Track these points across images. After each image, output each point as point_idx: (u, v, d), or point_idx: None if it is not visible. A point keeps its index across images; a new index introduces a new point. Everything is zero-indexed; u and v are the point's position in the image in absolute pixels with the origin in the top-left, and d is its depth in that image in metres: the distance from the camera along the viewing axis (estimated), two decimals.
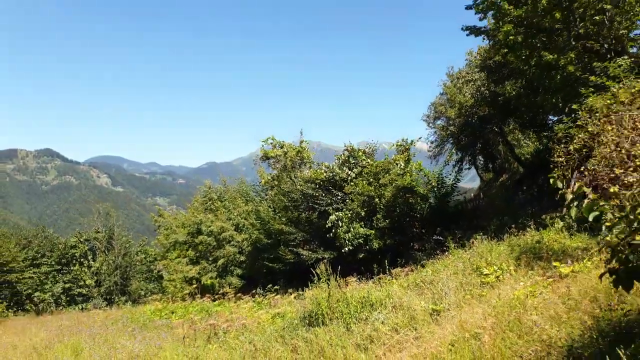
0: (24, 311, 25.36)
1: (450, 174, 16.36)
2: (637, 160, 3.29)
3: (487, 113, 20.13)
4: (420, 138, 22.24)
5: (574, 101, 8.72)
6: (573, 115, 8.47)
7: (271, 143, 27.81)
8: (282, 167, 25.97)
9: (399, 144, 19.47)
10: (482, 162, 28.32)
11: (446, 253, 11.69)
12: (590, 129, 4.41)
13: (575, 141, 4.56)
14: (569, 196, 2.84)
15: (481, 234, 11.59)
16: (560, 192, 3.13)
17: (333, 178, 17.34)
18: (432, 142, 29.98)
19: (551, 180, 3.20)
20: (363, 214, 15.02)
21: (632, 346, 3.29)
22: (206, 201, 28.89)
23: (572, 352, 4.00)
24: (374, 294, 9.02)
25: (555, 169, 6.62)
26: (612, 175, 3.39)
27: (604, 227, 2.70)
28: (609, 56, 9.74)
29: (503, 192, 19.91)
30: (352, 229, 14.67)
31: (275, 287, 18.39)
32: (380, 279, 11.34)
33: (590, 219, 2.67)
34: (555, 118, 14.28)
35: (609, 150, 3.51)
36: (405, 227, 14.52)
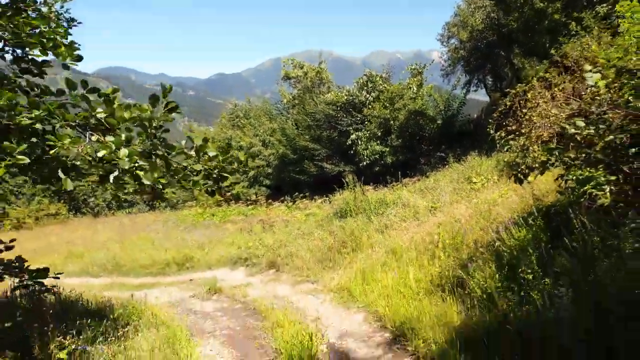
0: (81, 214, 29.27)
1: (457, 99, 18.67)
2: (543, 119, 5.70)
3: (495, 38, 21.76)
4: (432, 62, 24.16)
5: (554, 46, 10.83)
6: (550, 59, 10.65)
7: (292, 64, 29.69)
8: (303, 87, 28.08)
9: (412, 67, 21.49)
10: (490, 82, 30.07)
11: (447, 166, 14.48)
12: (534, 83, 6.63)
13: (514, 92, 6.70)
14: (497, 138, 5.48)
15: (476, 151, 14.25)
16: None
17: (353, 101, 19.72)
18: (445, 61, 31.53)
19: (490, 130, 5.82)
20: (379, 133, 17.66)
21: (541, 217, 6.09)
22: (233, 118, 31.46)
23: (512, 220, 6.87)
24: (388, 196, 12.04)
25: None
26: (528, 123, 5.84)
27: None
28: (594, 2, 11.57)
29: (504, 118, 22.18)
30: (369, 147, 17.41)
31: (301, 194, 21.41)
32: (393, 186, 14.30)
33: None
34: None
35: (531, 105, 5.91)
36: (415, 145, 17.20)
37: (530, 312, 4.32)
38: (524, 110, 5.84)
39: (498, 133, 6.14)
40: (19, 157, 3.10)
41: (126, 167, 3.25)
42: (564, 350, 3.34)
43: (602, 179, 4.46)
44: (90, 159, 3.28)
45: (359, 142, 17.85)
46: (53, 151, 3.13)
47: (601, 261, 3.87)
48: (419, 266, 7.11)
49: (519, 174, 5.32)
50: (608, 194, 4.28)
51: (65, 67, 3.88)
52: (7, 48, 3.67)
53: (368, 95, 19.48)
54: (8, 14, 3.54)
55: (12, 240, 4.94)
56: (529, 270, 4.73)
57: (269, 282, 9.67)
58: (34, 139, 3.44)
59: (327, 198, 17.43)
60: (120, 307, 7.26)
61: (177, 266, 12.62)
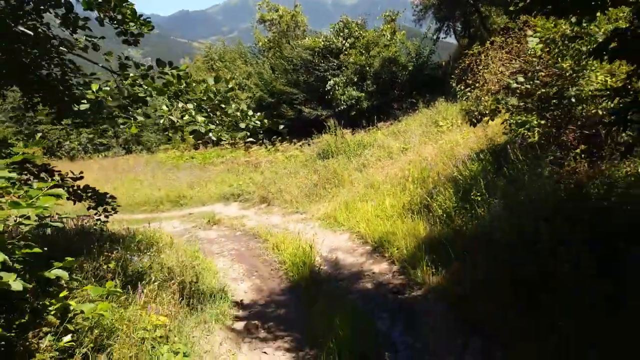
0: (56, 157, 29.46)
1: (427, 47, 19.72)
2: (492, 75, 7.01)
3: None
4: (405, 10, 24.85)
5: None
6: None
7: (267, 7, 29.64)
8: (279, 31, 28.35)
9: (386, 14, 22.24)
10: (460, 28, 31.04)
11: (417, 111, 15.81)
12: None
13: (471, 53, 7.96)
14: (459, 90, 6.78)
15: (443, 97, 15.56)
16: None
17: (329, 47, 20.47)
18: (416, 6, 32.14)
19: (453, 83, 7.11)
20: (355, 79, 18.66)
21: (489, 153, 7.53)
22: (208, 61, 31.55)
23: (468, 156, 8.32)
24: (365, 139, 13.37)
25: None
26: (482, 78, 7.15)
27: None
28: None
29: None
30: (346, 92, 18.45)
31: (279, 138, 22.38)
32: (368, 130, 15.59)
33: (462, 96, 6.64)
34: None
35: (484, 64, 7.19)
36: (388, 91, 18.34)
37: (478, 224, 5.83)
38: (479, 68, 7.14)
39: (458, 86, 7.49)
40: (140, 118, 4.37)
41: (202, 131, 4.45)
42: (494, 242, 4.83)
43: (534, 122, 5.88)
44: (176, 120, 4.43)
45: (337, 88, 18.84)
46: (158, 114, 4.36)
47: (525, 179, 5.34)
48: (393, 196, 8.56)
49: (474, 119, 6.70)
50: (536, 133, 5.70)
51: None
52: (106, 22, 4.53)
53: (344, 42, 20.26)
54: None
55: (80, 172, 6.02)
56: (478, 194, 6.19)
57: (262, 214, 11.04)
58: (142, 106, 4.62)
59: (306, 141, 18.57)
60: (139, 234, 8.47)
61: (170, 203, 13.77)
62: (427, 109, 15.12)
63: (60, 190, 2.57)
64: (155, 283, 4.50)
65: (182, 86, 4.52)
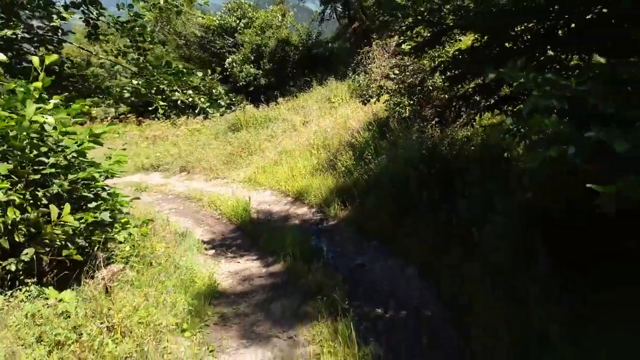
0: None
1: (315, 30, 21.98)
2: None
3: None
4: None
5: None
6: None
7: None
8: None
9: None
10: (340, 10, 33.91)
11: (311, 89, 18.05)
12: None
13: (363, 51, 10.46)
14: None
15: (333, 76, 17.99)
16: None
17: (224, 25, 21.67)
18: None
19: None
20: (252, 58, 20.26)
21: (376, 125, 10.02)
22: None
23: (361, 127, 10.75)
24: (270, 113, 15.26)
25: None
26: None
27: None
28: None
29: (353, 44, 26.22)
30: (244, 69, 20.00)
31: (174, 112, 23.12)
32: (270, 105, 17.46)
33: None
34: None
35: (371, 59, 9.65)
36: (283, 69, 20.29)
37: (370, 174, 8.24)
38: (368, 61, 9.56)
39: (353, 76, 9.85)
40: (161, 103, 5.80)
41: (205, 107, 6.06)
42: (382, 184, 7.24)
43: (406, 102, 8.39)
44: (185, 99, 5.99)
45: (234, 65, 20.26)
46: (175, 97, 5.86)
47: (401, 142, 7.86)
48: (304, 159, 10.72)
49: (365, 100, 9.08)
50: (407, 110, 8.21)
51: None
52: None
53: (239, 22, 21.61)
54: None
55: None
56: (370, 154, 8.60)
57: (184, 181, 12.47)
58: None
59: (205, 115, 19.78)
60: None
61: None
62: (320, 87, 17.41)
63: None
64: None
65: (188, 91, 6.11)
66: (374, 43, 10.10)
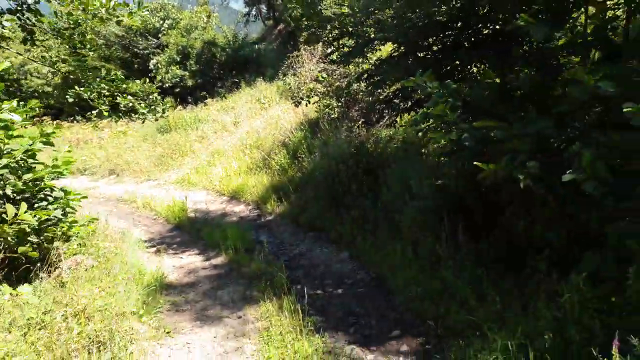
0: None
1: (241, 32, 22.22)
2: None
3: None
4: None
5: None
6: None
7: None
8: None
9: None
10: (265, 11, 34.30)
11: (240, 90, 18.30)
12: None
13: (292, 56, 11.08)
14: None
15: (261, 77, 18.38)
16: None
17: (147, 26, 21.23)
18: None
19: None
20: (178, 59, 20.08)
21: (308, 125, 10.61)
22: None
23: (294, 127, 11.30)
24: (200, 114, 15.35)
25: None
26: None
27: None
28: None
29: (279, 45, 26.74)
30: (170, 71, 19.76)
31: (94, 114, 22.24)
32: (199, 106, 17.48)
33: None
34: None
35: (301, 63, 10.29)
36: (210, 70, 20.31)
37: (304, 172, 8.81)
38: (298, 65, 10.14)
39: (282, 78, 10.38)
40: (104, 107, 5.88)
41: (145, 112, 6.23)
42: (315, 179, 7.83)
43: (334, 104, 9.05)
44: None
45: (160, 66, 19.95)
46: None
47: (331, 141, 8.51)
48: (237, 160, 11.06)
49: (296, 102, 9.64)
50: (336, 112, 8.88)
51: None
52: None
53: (163, 22, 21.28)
54: None
55: None
56: (303, 153, 9.17)
57: (114, 184, 12.28)
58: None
59: (130, 117, 19.31)
60: None
61: None
62: (249, 88, 17.73)
63: None
64: None
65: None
66: (302, 48, 10.72)
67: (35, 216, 3.96)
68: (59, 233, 4.50)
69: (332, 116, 8.86)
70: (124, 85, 6.78)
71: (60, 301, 3.72)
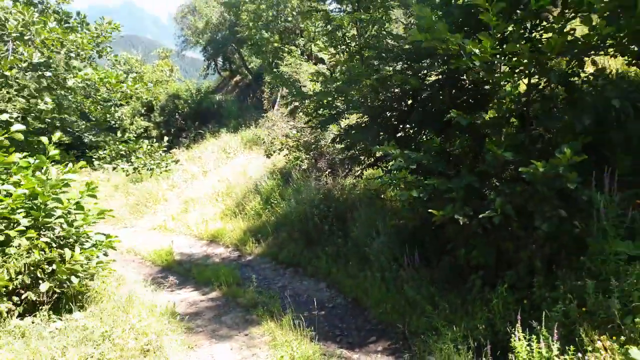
0: None
1: (203, 85, 23.58)
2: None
3: (229, 34, 27.27)
4: (172, 50, 28.21)
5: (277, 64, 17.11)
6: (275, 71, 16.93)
7: None
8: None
9: (160, 51, 25.15)
10: (221, 63, 36.01)
11: (204, 140, 19.41)
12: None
13: (266, 116, 12.61)
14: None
15: (225, 129, 19.62)
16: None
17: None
18: (179, 38, 36.05)
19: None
20: (143, 110, 21.01)
21: (279, 174, 11.87)
22: None
23: (266, 176, 12.50)
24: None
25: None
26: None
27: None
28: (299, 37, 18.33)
29: (237, 96, 28.25)
30: (135, 122, 20.62)
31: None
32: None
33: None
34: None
35: (274, 122, 11.74)
36: (174, 121, 21.34)
37: (277, 216, 9.99)
38: (271, 124, 11.54)
39: (263, 137, 11.72)
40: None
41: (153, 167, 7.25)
42: (291, 221, 9.02)
43: (304, 157, 10.40)
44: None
45: (124, 118, 20.75)
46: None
47: (303, 189, 9.80)
48: (212, 206, 12.07)
49: (269, 154, 10.93)
50: (306, 163, 10.23)
51: None
52: None
53: (127, 76, 22.24)
54: None
55: None
56: (275, 200, 10.38)
57: None
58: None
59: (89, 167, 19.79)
60: None
61: None
62: (213, 138, 18.89)
63: None
64: None
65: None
66: (275, 109, 12.20)
67: (85, 257, 4.92)
68: (99, 270, 5.42)
69: (303, 167, 10.20)
70: (137, 146, 7.79)
71: (112, 324, 4.66)
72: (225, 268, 8.12)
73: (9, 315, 4.46)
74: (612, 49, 4.42)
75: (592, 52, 4.51)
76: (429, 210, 4.41)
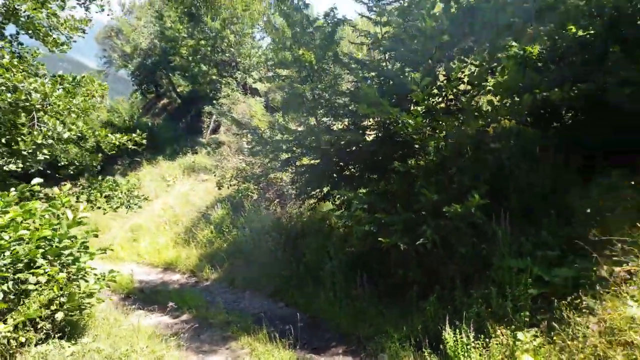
0: None
1: (134, 112, 23.71)
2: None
3: (159, 60, 27.54)
4: (104, 71, 27.88)
5: (215, 97, 18.02)
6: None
7: None
8: None
9: (89, 75, 24.87)
10: (146, 86, 35.82)
11: (141, 167, 19.62)
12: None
13: (220, 153, 13.61)
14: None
15: (161, 156, 19.99)
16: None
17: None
18: (102, 58, 35.50)
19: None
20: (75, 139, 20.72)
21: (228, 203, 12.76)
22: None
23: (215, 204, 13.30)
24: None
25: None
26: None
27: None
28: (235, 70, 19.42)
29: (168, 120, 28.37)
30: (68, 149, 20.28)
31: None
32: None
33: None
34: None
35: (225, 156, 12.71)
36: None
37: (229, 243, 10.93)
38: (222, 158, 12.50)
39: (211, 168, 12.61)
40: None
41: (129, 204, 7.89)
42: (245, 249, 10.03)
43: (252, 187, 11.48)
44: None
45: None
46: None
47: (254, 217, 10.85)
48: (162, 234, 12.66)
49: (219, 185, 11.88)
50: (256, 193, 11.32)
51: None
52: None
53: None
54: None
55: None
56: (227, 227, 11.31)
57: None
58: None
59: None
60: None
61: None
62: (150, 166, 19.20)
63: None
64: None
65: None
66: (225, 145, 13.19)
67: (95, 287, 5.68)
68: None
69: (253, 197, 11.27)
70: (117, 186, 8.44)
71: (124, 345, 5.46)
72: (189, 293, 8.94)
73: (27, 343, 5.14)
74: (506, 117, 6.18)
75: (492, 121, 6.25)
76: (379, 239, 5.81)
